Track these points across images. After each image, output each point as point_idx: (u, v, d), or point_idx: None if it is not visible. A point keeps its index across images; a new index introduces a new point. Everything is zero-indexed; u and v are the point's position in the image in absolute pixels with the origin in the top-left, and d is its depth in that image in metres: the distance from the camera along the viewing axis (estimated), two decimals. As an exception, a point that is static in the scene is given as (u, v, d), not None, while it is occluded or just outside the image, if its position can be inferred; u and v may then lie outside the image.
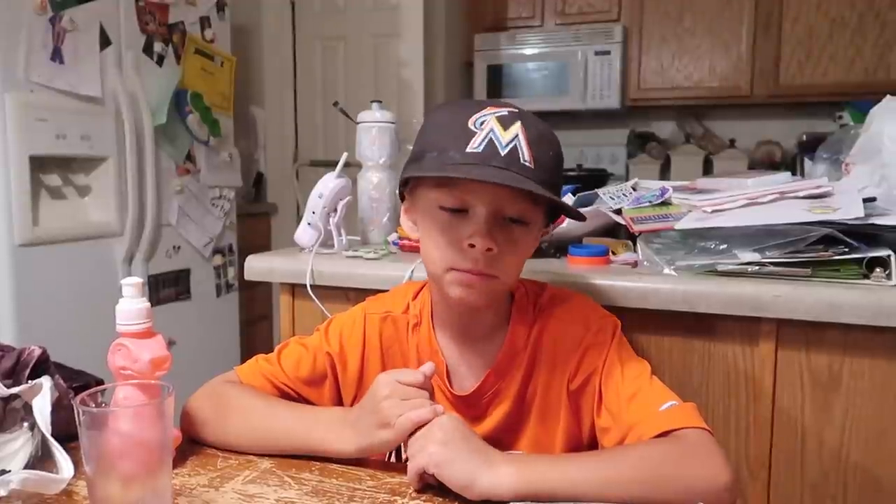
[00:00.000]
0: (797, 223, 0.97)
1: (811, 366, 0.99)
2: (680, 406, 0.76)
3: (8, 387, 0.73)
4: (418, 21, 3.09)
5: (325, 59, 3.34)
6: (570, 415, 0.85)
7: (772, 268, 0.99)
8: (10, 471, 0.68)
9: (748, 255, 1.00)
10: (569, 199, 1.32)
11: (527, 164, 0.75)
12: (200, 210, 2.40)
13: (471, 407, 0.86)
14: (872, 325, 0.93)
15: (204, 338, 2.42)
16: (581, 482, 0.66)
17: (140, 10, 2.10)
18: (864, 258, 0.96)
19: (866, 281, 0.97)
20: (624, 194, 1.28)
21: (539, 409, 0.86)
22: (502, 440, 0.85)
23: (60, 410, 0.73)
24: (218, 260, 2.52)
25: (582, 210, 0.96)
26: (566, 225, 1.19)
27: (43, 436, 0.69)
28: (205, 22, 2.37)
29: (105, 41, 1.99)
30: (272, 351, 0.91)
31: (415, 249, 1.25)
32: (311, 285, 1.23)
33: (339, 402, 0.90)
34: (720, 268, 1.02)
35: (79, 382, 0.83)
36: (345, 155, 1.29)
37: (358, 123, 1.41)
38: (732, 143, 3.36)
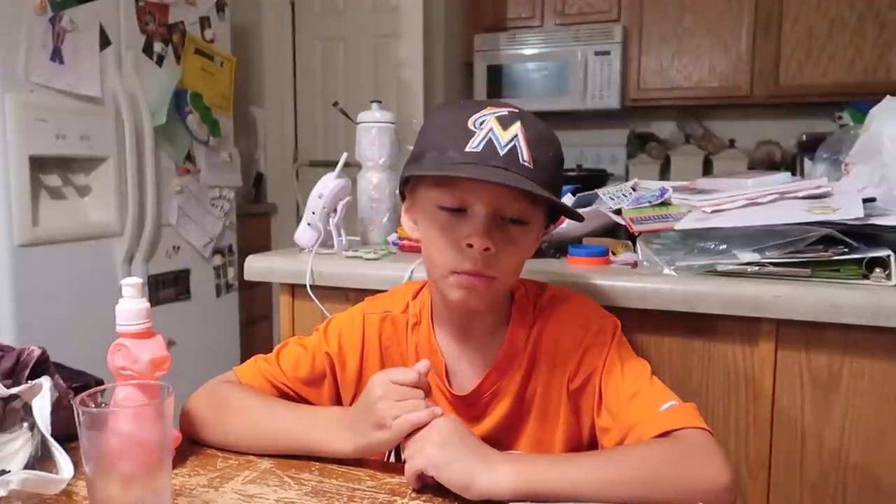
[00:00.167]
0: (797, 223, 0.97)
1: (811, 366, 0.99)
2: (680, 406, 0.76)
3: (8, 387, 0.73)
4: (418, 21, 3.09)
5: (325, 59, 3.34)
6: (569, 415, 0.85)
7: (771, 268, 0.99)
8: (9, 471, 0.68)
9: (748, 256, 1.00)
10: (568, 199, 1.32)
11: (526, 164, 0.75)
12: (200, 210, 2.40)
13: (470, 406, 0.86)
14: (872, 326, 0.93)
15: (204, 338, 2.42)
16: (581, 482, 0.66)
17: (140, 11, 2.10)
18: (863, 258, 0.96)
19: (866, 281, 0.96)
20: (624, 194, 1.28)
21: (539, 408, 0.86)
22: (502, 440, 0.85)
23: (60, 410, 0.73)
24: (218, 260, 2.51)
25: (581, 210, 0.96)
26: (566, 225, 1.19)
27: (43, 436, 0.69)
28: (205, 22, 2.37)
29: (105, 41, 1.99)
30: (272, 351, 0.91)
31: (415, 249, 1.25)
32: (310, 285, 1.23)
33: (339, 402, 0.90)
34: (720, 268, 1.02)
35: (78, 382, 0.83)
36: (344, 155, 1.29)
37: (358, 124, 1.41)
38: (732, 143, 3.36)
